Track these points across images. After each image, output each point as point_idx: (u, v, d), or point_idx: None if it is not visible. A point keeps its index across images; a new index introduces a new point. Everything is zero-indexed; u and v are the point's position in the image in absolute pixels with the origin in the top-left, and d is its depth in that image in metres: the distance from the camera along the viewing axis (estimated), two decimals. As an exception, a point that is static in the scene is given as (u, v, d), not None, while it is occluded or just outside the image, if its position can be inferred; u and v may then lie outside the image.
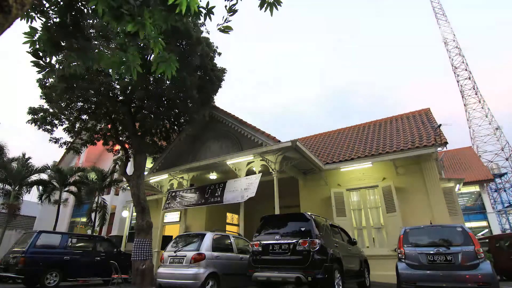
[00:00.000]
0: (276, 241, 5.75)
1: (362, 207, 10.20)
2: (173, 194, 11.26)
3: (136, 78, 2.93)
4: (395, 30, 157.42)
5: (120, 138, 11.52)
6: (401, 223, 8.62)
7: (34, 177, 16.85)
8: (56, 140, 10.84)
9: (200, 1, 2.74)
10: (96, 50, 3.17)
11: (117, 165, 14.45)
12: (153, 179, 12.01)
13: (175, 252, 6.77)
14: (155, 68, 2.88)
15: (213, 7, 3.15)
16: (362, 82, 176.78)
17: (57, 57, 3.19)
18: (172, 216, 13.51)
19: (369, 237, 9.75)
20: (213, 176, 11.25)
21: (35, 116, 10.00)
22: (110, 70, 3.04)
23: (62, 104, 9.89)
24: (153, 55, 3.20)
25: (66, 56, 3.09)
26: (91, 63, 3.07)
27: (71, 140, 11.45)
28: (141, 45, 2.86)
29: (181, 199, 10.81)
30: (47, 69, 3.05)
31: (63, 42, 3.04)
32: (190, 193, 10.69)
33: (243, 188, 9.01)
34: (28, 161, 16.63)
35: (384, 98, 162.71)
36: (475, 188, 20.92)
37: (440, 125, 9.63)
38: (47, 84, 9.37)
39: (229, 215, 14.46)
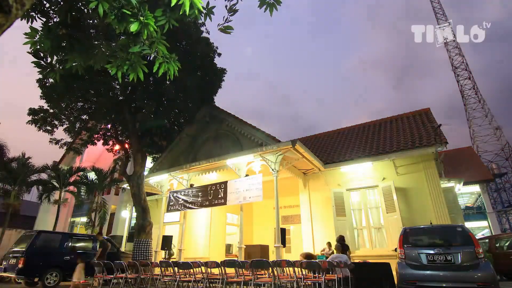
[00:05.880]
0: None
1: (362, 207, 10.20)
2: (175, 194, 11.25)
3: (142, 78, 2.93)
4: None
5: (120, 138, 11.54)
6: (401, 223, 8.61)
7: (34, 177, 16.84)
8: (57, 142, 10.85)
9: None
10: (97, 50, 3.17)
11: (117, 165, 14.47)
12: (153, 179, 12.00)
13: None
14: (157, 68, 2.88)
15: (213, 7, 3.15)
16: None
17: (58, 57, 3.18)
18: (172, 216, 13.48)
19: (369, 237, 9.75)
20: (213, 176, 11.24)
21: (36, 117, 10.00)
22: (110, 70, 3.02)
23: (62, 104, 9.90)
24: (153, 56, 3.20)
25: (67, 55, 3.09)
26: (92, 63, 3.06)
27: (71, 140, 11.45)
28: (143, 44, 2.85)
29: (184, 200, 10.79)
30: (49, 69, 3.05)
31: (64, 42, 3.03)
32: (193, 194, 10.66)
33: (245, 189, 9.00)
34: (28, 161, 16.62)
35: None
36: (475, 188, 20.91)
37: (440, 125, 9.62)
38: (47, 84, 9.38)
39: (229, 215, 14.45)
